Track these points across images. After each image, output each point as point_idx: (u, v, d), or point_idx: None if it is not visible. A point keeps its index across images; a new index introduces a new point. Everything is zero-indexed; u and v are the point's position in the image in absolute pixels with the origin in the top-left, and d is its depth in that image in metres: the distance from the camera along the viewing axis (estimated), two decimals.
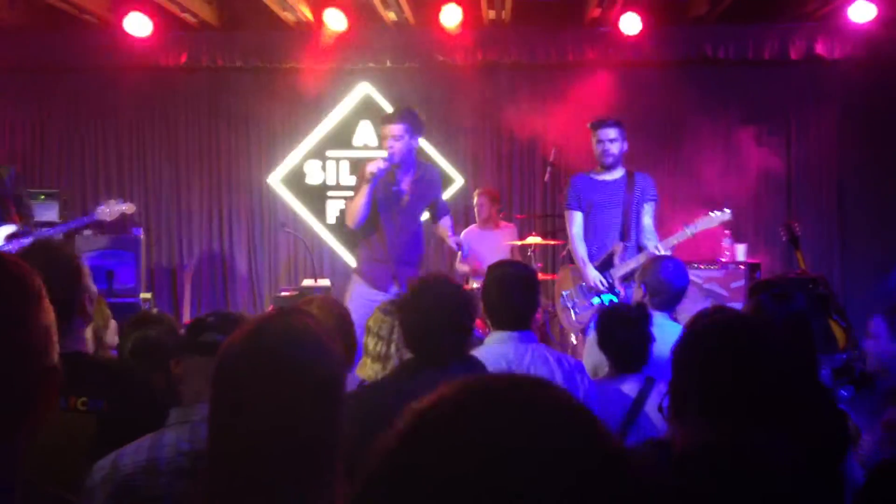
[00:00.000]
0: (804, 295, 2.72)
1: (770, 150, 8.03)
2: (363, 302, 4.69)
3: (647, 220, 5.18)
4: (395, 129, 4.90)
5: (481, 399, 0.69)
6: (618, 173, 5.25)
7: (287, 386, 1.38)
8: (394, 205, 4.98)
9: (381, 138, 5.01)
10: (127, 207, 5.92)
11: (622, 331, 3.01)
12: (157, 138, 8.48)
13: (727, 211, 5.07)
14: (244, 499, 1.35)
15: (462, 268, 7.35)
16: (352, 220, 4.97)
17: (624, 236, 5.16)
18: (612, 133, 5.18)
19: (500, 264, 3.09)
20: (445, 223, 5.23)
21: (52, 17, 7.63)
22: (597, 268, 5.19)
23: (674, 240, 4.98)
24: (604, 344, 3.09)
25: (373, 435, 0.72)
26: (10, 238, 5.62)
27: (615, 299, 5.07)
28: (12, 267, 1.01)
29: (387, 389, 2.37)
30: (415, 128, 4.99)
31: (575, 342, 5.65)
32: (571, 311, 5.32)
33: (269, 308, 4.42)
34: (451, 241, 5.13)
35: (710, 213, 5.05)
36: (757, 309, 2.55)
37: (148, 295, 7.57)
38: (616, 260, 5.14)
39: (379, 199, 4.94)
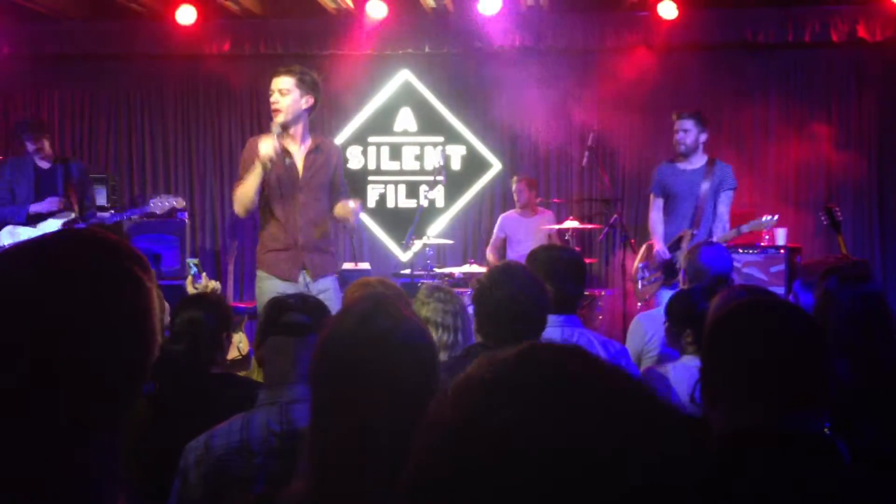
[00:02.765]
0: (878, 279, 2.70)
1: (810, 134, 7.96)
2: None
3: (722, 208, 5.52)
4: (282, 81, 4.14)
5: (534, 372, 0.69)
6: (699, 162, 5.59)
7: (398, 371, 1.40)
8: (291, 180, 4.23)
9: (270, 96, 4.23)
10: (177, 202, 6.15)
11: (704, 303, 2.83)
12: (201, 124, 8.64)
13: (775, 217, 5.54)
14: (350, 482, 1.36)
15: (489, 256, 7.43)
16: (242, 208, 4.20)
17: (694, 224, 5.50)
18: (686, 124, 5.54)
19: (547, 248, 3.05)
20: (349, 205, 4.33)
21: (100, 6, 7.81)
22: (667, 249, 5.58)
23: (729, 236, 5.40)
24: (684, 320, 2.93)
25: None
26: (67, 226, 5.83)
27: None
28: (133, 252, 1.00)
29: (457, 371, 2.35)
30: (306, 84, 4.19)
31: (639, 305, 6.13)
32: (640, 282, 5.78)
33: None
34: (352, 215, 4.27)
35: (763, 217, 5.51)
36: (826, 294, 2.52)
37: (195, 260, 7.69)
38: (684, 245, 5.42)
39: (273, 175, 4.18)
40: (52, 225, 5.86)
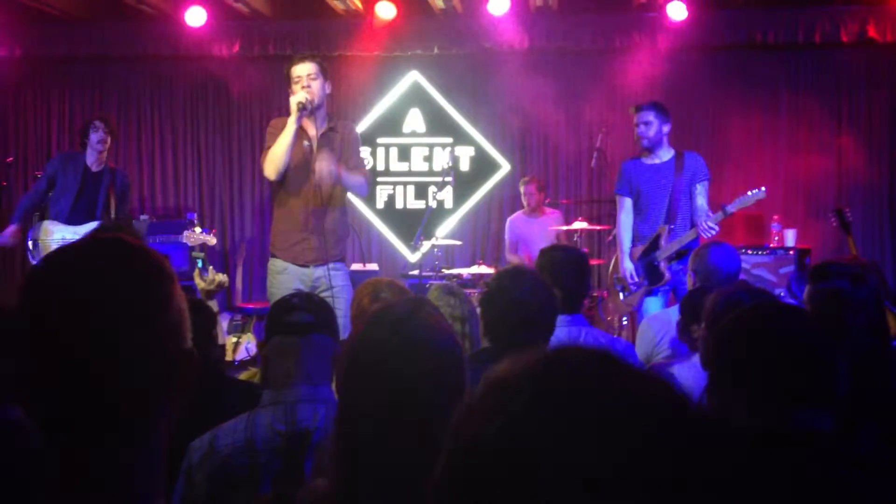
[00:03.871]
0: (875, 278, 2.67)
1: (820, 135, 7.94)
2: (294, 287, 4.07)
3: (701, 200, 5.12)
4: (309, 67, 4.19)
5: (565, 369, 0.69)
6: (666, 155, 5.20)
7: (429, 377, 1.40)
8: (306, 161, 4.23)
9: (293, 82, 4.21)
10: (209, 238, 6.23)
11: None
12: (210, 125, 8.67)
13: (762, 189, 5.10)
14: (376, 483, 1.37)
15: (511, 258, 7.42)
16: (274, 168, 4.17)
17: (669, 219, 5.13)
18: (646, 116, 5.14)
19: (552, 248, 3.09)
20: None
21: (110, 8, 7.83)
22: (644, 251, 5.21)
23: (714, 219, 4.98)
24: (695, 315, 2.94)
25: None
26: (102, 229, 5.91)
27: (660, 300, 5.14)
28: (149, 252, 1.06)
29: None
30: (326, 71, 4.29)
31: (625, 323, 5.81)
32: (620, 293, 5.34)
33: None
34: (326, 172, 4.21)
35: (748, 192, 5.10)
36: (837, 295, 2.51)
37: (201, 254, 7.71)
38: (662, 242, 5.11)
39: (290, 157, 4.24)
40: (91, 227, 5.93)
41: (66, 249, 1.04)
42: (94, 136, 6.05)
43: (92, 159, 6.09)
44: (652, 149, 5.18)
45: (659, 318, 3.67)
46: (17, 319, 0.99)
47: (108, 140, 6.11)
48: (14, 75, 8.48)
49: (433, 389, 1.40)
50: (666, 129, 5.19)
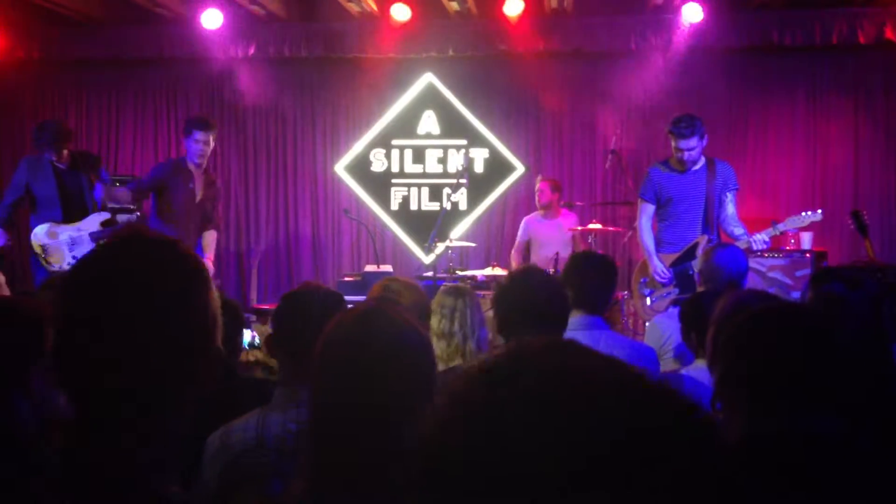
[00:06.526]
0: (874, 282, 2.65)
1: (837, 137, 7.89)
2: None
3: (731, 208, 5.18)
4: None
5: (522, 365, 0.68)
6: (698, 164, 5.21)
7: (391, 372, 1.42)
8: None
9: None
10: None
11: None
12: (225, 127, 8.69)
13: (819, 212, 5.07)
14: (344, 480, 1.39)
15: (514, 256, 7.41)
16: None
17: (706, 227, 5.13)
18: (691, 143, 5.07)
19: (580, 252, 3.14)
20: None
21: (125, 10, 7.88)
22: (679, 258, 5.16)
23: (763, 235, 4.96)
24: (689, 324, 3.00)
25: None
26: (106, 225, 5.92)
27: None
28: (183, 252, 1.08)
29: None
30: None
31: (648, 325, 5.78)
32: (648, 298, 5.29)
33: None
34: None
35: (802, 213, 5.06)
36: (828, 299, 2.50)
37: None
38: (699, 251, 4.95)
39: None
40: (92, 221, 5.93)
41: (98, 250, 1.08)
42: (48, 156, 5.87)
43: (54, 157, 5.93)
44: (694, 163, 5.16)
45: (667, 318, 3.66)
46: (53, 319, 1.02)
47: (63, 153, 5.93)
48: (31, 77, 8.55)
49: (397, 386, 1.41)
50: (704, 142, 5.15)
